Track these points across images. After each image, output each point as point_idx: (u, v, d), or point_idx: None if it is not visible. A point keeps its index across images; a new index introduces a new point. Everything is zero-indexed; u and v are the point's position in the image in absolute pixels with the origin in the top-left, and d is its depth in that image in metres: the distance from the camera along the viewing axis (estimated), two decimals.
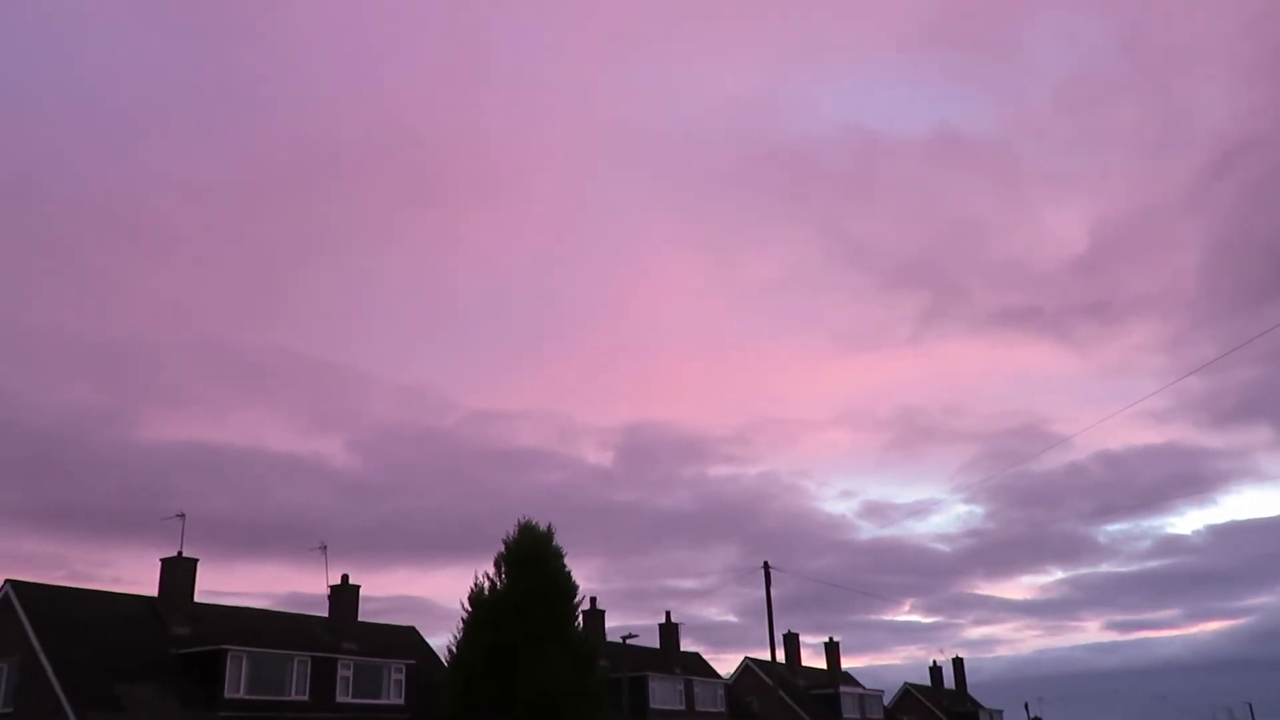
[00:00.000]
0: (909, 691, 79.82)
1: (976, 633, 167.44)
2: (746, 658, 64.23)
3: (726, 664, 69.06)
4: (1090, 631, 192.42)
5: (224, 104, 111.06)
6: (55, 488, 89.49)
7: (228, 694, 30.97)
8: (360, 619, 39.48)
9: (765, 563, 43.95)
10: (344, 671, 34.92)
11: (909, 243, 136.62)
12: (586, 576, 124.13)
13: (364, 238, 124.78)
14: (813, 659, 69.25)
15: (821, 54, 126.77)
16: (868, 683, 73.42)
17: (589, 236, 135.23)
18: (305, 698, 33.13)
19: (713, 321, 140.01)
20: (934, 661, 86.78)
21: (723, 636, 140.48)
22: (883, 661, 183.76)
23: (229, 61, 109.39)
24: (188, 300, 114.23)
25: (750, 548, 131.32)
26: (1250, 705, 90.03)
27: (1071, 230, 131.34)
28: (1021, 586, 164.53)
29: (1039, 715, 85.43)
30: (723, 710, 52.77)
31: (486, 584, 32.63)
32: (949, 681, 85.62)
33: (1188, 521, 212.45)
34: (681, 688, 49.92)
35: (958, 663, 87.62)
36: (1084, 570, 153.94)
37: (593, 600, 46.97)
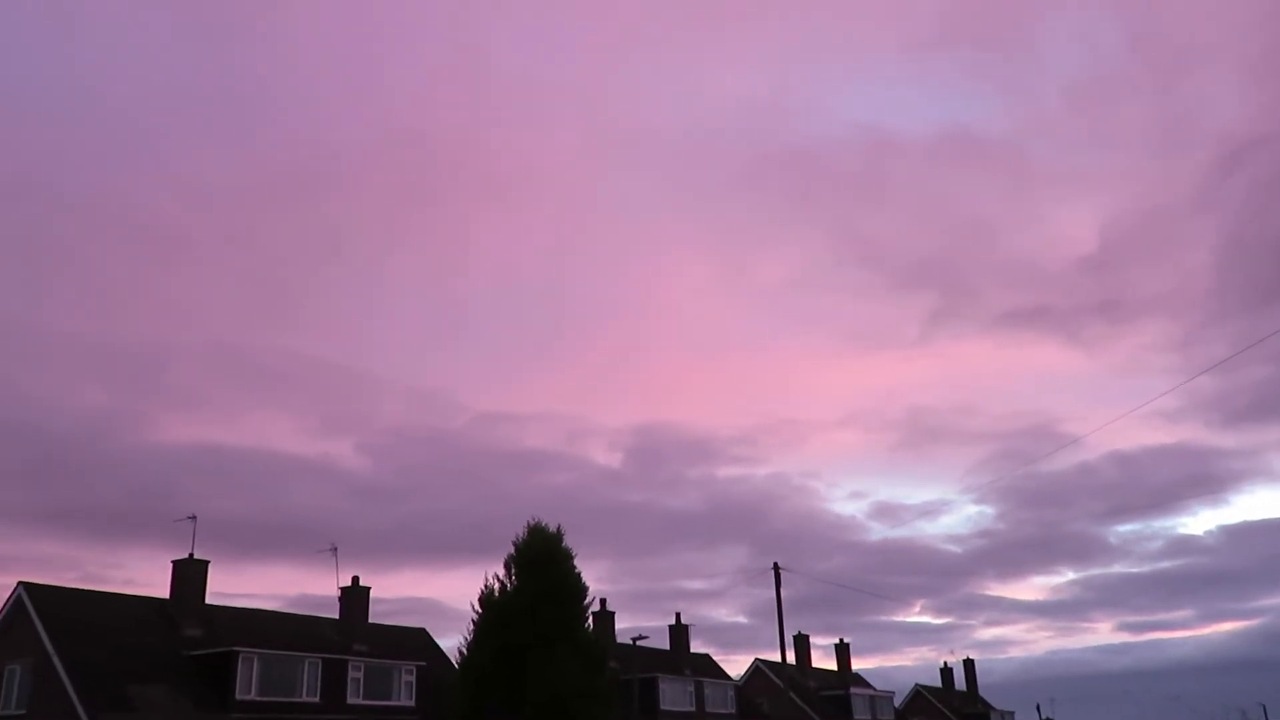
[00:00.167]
0: (920, 693, 79.68)
1: (988, 634, 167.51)
2: (757, 659, 64.25)
3: (737, 665, 69.21)
4: (1102, 632, 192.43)
5: (231, 106, 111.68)
6: (67, 490, 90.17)
7: (239, 695, 31.07)
8: (371, 620, 39.60)
9: (775, 564, 44.05)
10: (354, 673, 34.98)
11: (919, 243, 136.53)
12: (596, 578, 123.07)
13: (373, 240, 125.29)
14: (823, 660, 69.18)
15: (831, 54, 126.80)
16: (878, 684, 73.37)
17: (598, 238, 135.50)
18: (316, 699, 33.21)
19: (722, 322, 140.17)
20: (945, 663, 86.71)
21: (733, 638, 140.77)
22: (893, 663, 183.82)
23: (235, 63, 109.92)
24: (198, 303, 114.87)
25: (760, 549, 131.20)
26: (1264, 706, 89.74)
27: (1081, 230, 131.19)
28: (1033, 587, 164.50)
29: (1051, 717, 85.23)
30: (733, 711, 52.70)
31: (497, 585, 32.59)
32: (960, 683, 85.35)
33: (1200, 522, 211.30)
34: (692, 689, 49.86)
35: (969, 664, 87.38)
36: (1095, 571, 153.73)
37: (603, 601, 46.97)
